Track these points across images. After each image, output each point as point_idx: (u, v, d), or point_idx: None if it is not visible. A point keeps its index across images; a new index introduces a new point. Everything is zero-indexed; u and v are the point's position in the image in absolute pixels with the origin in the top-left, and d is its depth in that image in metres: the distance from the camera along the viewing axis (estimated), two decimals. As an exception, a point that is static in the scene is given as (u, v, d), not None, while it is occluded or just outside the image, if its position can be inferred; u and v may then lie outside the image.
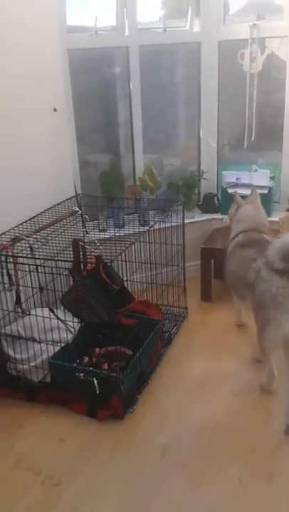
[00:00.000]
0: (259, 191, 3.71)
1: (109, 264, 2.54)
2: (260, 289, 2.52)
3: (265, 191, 3.80)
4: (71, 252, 2.74)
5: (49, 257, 2.55)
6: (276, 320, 2.46)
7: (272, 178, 3.95)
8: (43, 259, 2.55)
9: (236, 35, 3.79)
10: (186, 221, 3.48)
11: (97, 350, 2.81)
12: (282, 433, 2.45)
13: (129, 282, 2.96)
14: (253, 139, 3.94)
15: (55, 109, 3.14)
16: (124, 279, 2.80)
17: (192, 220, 3.88)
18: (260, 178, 3.96)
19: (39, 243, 2.67)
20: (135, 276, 3.15)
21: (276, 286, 2.43)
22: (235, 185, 3.93)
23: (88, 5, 3.56)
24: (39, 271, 2.56)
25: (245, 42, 3.72)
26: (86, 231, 3.15)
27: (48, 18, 3.05)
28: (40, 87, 3.04)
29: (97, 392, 2.58)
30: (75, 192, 3.41)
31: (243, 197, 3.32)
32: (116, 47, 3.73)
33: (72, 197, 3.35)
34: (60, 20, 3.23)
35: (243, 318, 3.37)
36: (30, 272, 2.61)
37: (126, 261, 2.92)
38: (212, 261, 3.67)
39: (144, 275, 3.28)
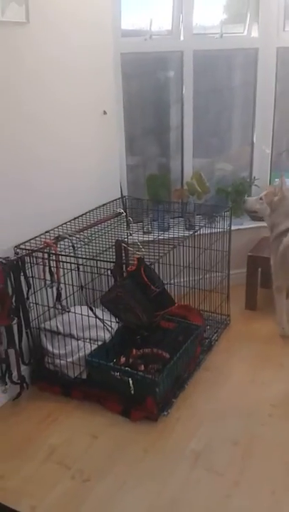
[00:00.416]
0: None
1: (151, 266, 2.55)
2: None
3: None
4: (113, 253, 2.80)
5: (91, 257, 2.58)
6: None
7: None
8: (84, 258, 2.59)
9: (296, 41, 3.73)
10: (233, 228, 3.44)
11: (134, 351, 2.82)
12: None
13: (171, 286, 2.95)
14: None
15: (105, 112, 3.19)
16: (166, 282, 2.80)
17: (240, 226, 3.82)
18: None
19: (82, 242, 2.71)
20: (178, 280, 3.14)
21: None
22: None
23: (144, 9, 3.61)
24: (80, 269, 2.61)
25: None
26: (130, 233, 3.18)
27: (103, 22, 3.11)
28: (91, 91, 3.10)
29: (132, 392, 2.58)
30: (121, 194, 3.46)
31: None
32: (170, 51, 3.75)
33: (118, 199, 3.39)
34: (115, 25, 3.29)
35: (287, 326, 3.29)
36: (71, 270, 2.66)
37: (169, 264, 2.92)
38: (259, 269, 3.60)
39: (187, 279, 3.26)
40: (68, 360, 2.72)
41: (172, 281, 3.01)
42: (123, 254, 2.95)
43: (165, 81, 3.95)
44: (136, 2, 3.61)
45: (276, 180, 4.00)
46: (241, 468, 2.30)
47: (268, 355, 3.14)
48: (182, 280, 3.22)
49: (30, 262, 2.64)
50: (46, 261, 2.64)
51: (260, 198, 3.27)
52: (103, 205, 3.23)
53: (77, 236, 2.76)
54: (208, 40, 3.86)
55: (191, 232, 3.20)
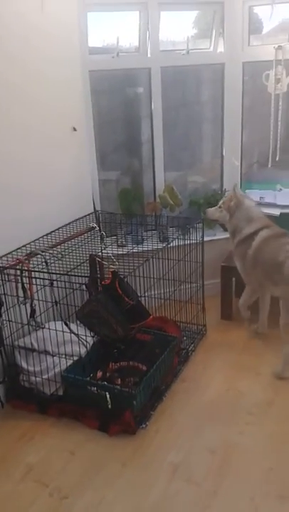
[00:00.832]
0: (283, 211, 3.69)
1: (125, 279, 2.56)
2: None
3: (289, 211, 3.76)
4: (87, 267, 2.80)
5: (64, 272, 2.59)
6: None
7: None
8: (57, 273, 2.59)
9: (261, 56, 3.79)
10: (207, 239, 3.49)
11: (111, 364, 2.82)
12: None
13: (146, 298, 2.96)
14: (277, 158, 3.92)
15: (74, 129, 3.22)
16: (141, 294, 2.81)
17: (213, 237, 3.88)
18: (285, 197, 3.91)
19: (55, 258, 2.71)
20: (153, 292, 3.16)
21: None
22: (259, 205, 3.89)
23: (111, 26, 3.64)
24: (54, 285, 2.60)
25: (270, 63, 3.73)
26: (104, 246, 3.19)
27: (70, 41, 3.15)
28: (60, 109, 3.13)
29: (110, 406, 2.58)
30: (94, 208, 3.48)
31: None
32: (138, 68, 3.79)
33: (91, 213, 3.41)
34: (82, 43, 3.32)
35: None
36: (43, 286, 2.66)
37: (143, 276, 2.94)
38: (233, 279, 3.64)
39: (162, 291, 3.28)
40: (44, 377, 2.70)
41: (147, 293, 3.02)
42: (97, 268, 2.96)
43: (134, 97, 4.00)
44: (103, 19, 3.66)
45: (246, 191, 4.07)
46: (220, 477, 2.31)
47: (245, 364, 3.16)
48: (157, 292, 3.23)
49: (2, 279, 2.63)
50: (18, 278, 2.63)
51: (219, 207, 3.35)
52: (76, 220, 3.24)
53: (50, 252, 2.76)
54: (175, 56, 3.90)
55: (164, 244, 3.24)
